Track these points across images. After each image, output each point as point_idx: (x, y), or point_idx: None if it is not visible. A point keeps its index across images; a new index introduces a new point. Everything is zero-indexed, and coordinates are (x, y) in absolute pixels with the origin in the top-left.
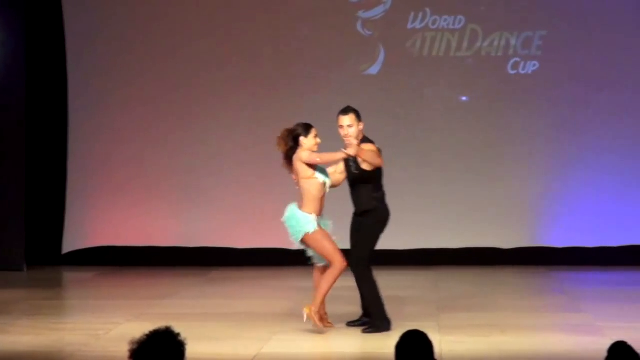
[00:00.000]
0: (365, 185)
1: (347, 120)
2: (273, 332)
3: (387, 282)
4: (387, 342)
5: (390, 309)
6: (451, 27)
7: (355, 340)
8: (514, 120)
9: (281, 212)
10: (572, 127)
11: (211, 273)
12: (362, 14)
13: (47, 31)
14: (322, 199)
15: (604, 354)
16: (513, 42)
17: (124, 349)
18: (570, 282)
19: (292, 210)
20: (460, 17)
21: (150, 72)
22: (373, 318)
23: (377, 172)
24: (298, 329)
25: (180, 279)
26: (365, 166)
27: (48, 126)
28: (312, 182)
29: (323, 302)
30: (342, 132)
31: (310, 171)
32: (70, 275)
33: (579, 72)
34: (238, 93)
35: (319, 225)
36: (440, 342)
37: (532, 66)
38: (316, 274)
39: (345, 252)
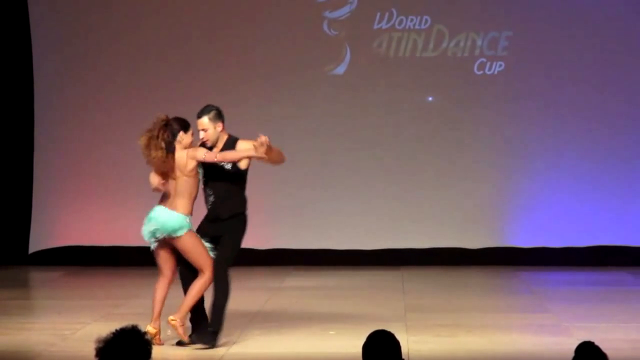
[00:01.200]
0: (238, 186)
1: (200, 124)
2: (241, 332)
3: (354, 282)
4: (353, 342)
5: (357, 309)
6: (417, 27)
7: (322, 342)
8: (480, 121)
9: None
10: (538, 128)
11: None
12: (328, 14)
13: (13, 27)
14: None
15: (571, 354)
16: (479, 42)
17: (91, 349)
18: (537, 283)
19: (161, 210)
20: (426, 17)
21: (119, 69)
22: (208, 326)
23: (247, 172)
24: (266, 328)
25: (147, 279)
26: (242, 165)
27: (14, 124)
28: (195, 181)
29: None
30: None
31: (196, 169)
32: (36, 275)
33: (544, 72)
34: (205, 95)
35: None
36: (407, 342)
37: (498, 67)
38: (161, 283)
39: None
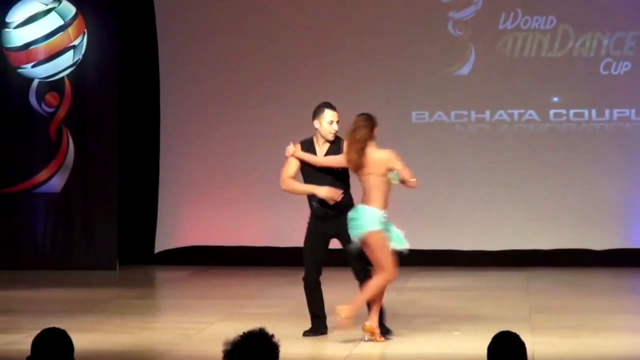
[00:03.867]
0: (345, 181)
1: (336, 116)
2: (364, 333)
3: (478, 283)
4: (478, 343)
5: (481, 310)
6: (542, 27)
7: (446, 342)
8: (606, 121)
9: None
10: None
11: (301, 272)
12: (453, 14)
13: (140, 32)
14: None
15: None
16: (605, 42)
17: (216, 349)
18: None
19: (359, 206)
20: (551, 17)
21: (246, 70)
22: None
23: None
24: (390, 329)
25: (270, 279)
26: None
27: (141, 126)
28: (386, 179)
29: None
30: (332, 127)
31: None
32: (162, 275)
33: None
34: (330, 95)
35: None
36: (532, 343)
37: (624, 66)
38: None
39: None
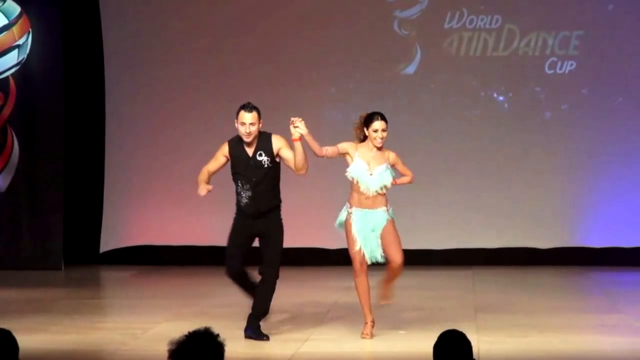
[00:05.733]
0: (275, 180)
1: (251, 118)
2: (311, 332)
3: (424, 281)
4: (423, 342)
5: (427, 309)
6: (488, 26)
7: (392, 341)
8: (550, 120)
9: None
10: (609, 127)
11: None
12: (398, 13)
13: (85, 31)
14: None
15: None
16: (550, 41)
17: (163, 348)
18: (608, 283)
19: None
20: (497, 16)
21: (189, 69)
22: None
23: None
24: (336, 329)
25: (216, 278)
26: (280, 158)
27: (86, 126)
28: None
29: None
30: (245, 129)
31: None
32: (108, 274)
33: (615, 71)
34: (275, 94)
35: None
36: (478, 343)
37: (569, 66)
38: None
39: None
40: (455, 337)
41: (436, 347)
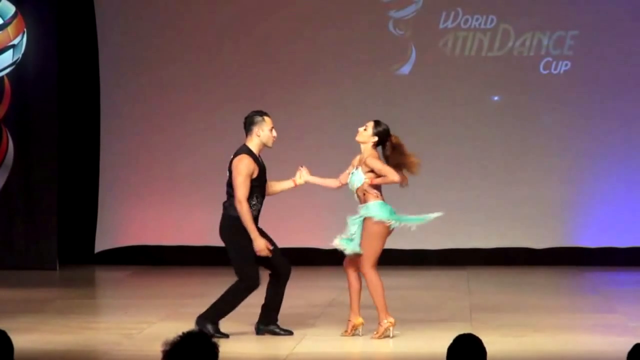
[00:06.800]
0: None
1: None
2: (306, 331)
3: (419, 282)
4: (418, 343)
5: (422, 310)
6: (483, 26)
7: (387, 342)
8: (545, 120)
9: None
10: (604, 127)
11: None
12: (393, 13)
13: (80, 30)
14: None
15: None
16: (545, 41)
17: (157, 349)
18: (603, 283)
19: None
20: (492, 16)
21: (188, 67)
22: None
23: None
24: (331, 328)
25: (211, 278)
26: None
27: (81, 125)
28: None
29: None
30: (274, 133)
31: None
32: (102, 274)
33: (610, 71)
34: (272, 95)
35: None
36: None
37: (564, 66)
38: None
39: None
40: (470, 341)
41: (450, 350)
